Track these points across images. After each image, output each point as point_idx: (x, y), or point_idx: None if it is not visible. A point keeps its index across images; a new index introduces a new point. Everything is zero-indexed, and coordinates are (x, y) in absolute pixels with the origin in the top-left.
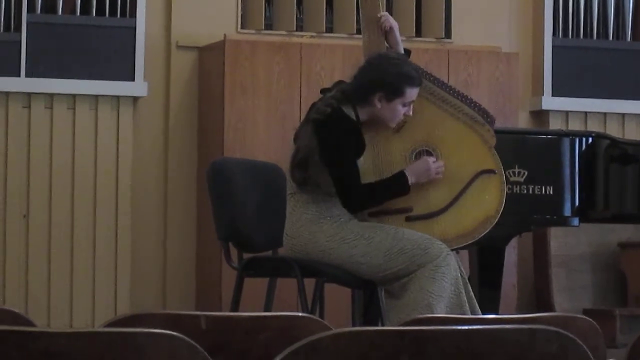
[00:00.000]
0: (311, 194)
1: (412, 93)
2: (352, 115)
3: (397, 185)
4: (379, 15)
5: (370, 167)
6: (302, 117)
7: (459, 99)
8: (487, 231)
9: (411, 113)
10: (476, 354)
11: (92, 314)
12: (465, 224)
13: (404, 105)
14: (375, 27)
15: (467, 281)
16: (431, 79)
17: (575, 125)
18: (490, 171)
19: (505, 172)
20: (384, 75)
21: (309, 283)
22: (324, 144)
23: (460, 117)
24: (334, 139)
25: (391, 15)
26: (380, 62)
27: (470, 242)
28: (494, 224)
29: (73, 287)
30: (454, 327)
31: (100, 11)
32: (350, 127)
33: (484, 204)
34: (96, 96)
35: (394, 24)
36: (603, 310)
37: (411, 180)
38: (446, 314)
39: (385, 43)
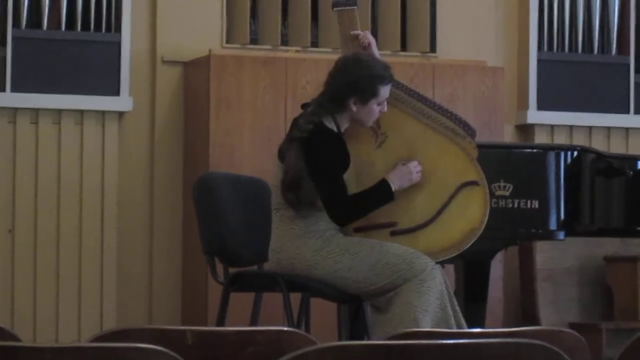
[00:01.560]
0: (295, 210)
1: (385, 91)
2: (334, 127)
3: (381, 192)
4: (355, 33)
5: (353, 183)
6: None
7: (439, 112)
8: (471, 243)
9: (386, 109)
10: None
11: (78, 329)
12: (450, 237)
13: (379, 104)
14: (353, 44)
15: (453, 295)
16: (410, 92)
17: (560, 139)
18: (473, 182)
19: (490, 186)
20: (356, 79)
21: (295, 297)
22: (309, 160)
23: (441, 130)
24: (319, 154)
25: (376, 29)
26: (349, 65)
27: (455, 254)
28: (478, 235)
29: (59, 302)
30: (440, 341)
31: (86, 26)
32: (334, 142)
33: (468, 216)
34: (81, 111)
35: (372, 41)
36: (589, 324)
37: (394, 186)
38: (432, 328)
39: None
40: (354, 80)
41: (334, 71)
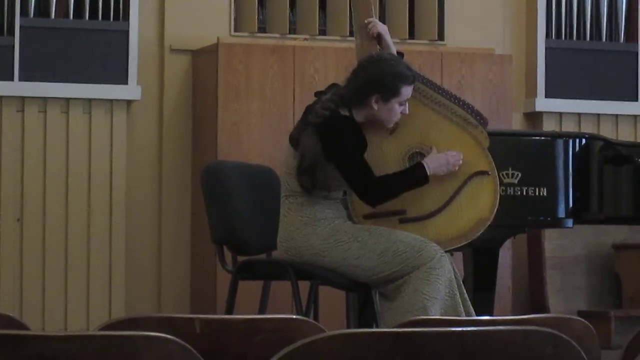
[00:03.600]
0: (308, 194)
1: (407, 91)
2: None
3: (415, 176)
4: (366, 22)
5: None
6: (296, 119)
7: (452, 101)
8: (480, 232)
9: (407, 111)
10: (471, 356)
11: (87, 318)
12: (459, 226)
13: (401, 104)
14: (365, 32)
15: (462, 283)
16: (424, 81)
17: (568, 127)
18: (483, 172)
19: (499, 174)
20: (379, 77)
21: (304, 286)
22: (329, 145)
23: (454, 119)
24: (338, 138)
25: (385, 17)
26: (373, 63)
27: (464, 243)
28: (487, 225)
29: (67, 291)
30: (449, 329)
31: (94, 15)
32: (350, 126)
33: (478, 205)
34: (90, 100)
35: (382, 29)
36: (598, 312)
37: (429, 171)
38: (441, 315)
39: (378, 46)
40: (377, 77)
41: (358, 68)
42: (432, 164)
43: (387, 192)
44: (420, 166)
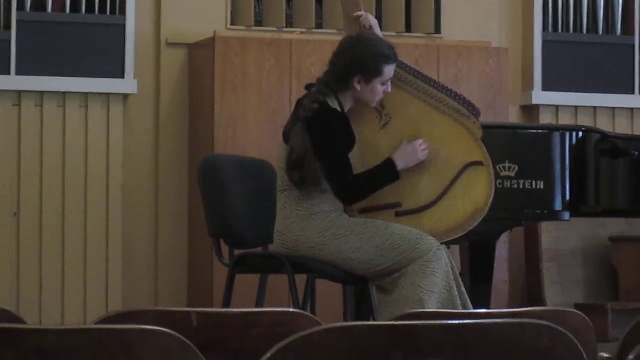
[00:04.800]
0: (303, 190)
1: (389, 70)
2: (337, 106)
3: (386, 172)
4: (357, 15)
5: (358, 164)
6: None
7: (443, 92)
8: (476, 223)
9: (390, 89)
10: (467, 348)
11: (84, 311)
12: (454, 217)
13: (383, 83)
14: (355, 25)
15: (458, 276)
16: (415, 73)
17: (565, 120)
18: (477, 163)
19: (495, 167)
20: (360, 58)
21: (300, 279)
22: (314, 140)
23: (446, 110)
24: (324, 133)
25: (381, 10)
26: (353, 45)
27: (460, 234)
28: (483, 215)
29: (64, 285)
30: (445, 322)
31: (90, 8)
32: (338, 121)
33: (473, 196)
34: (86, 94)
35: (373, 22)
36: (595, 305)
37: (399, 165)
38: (437, 308)
39: None
40: (358, 58)
41: (338, 50)
42: (400, 157)
43: (360, 190)
44: (390, 161)
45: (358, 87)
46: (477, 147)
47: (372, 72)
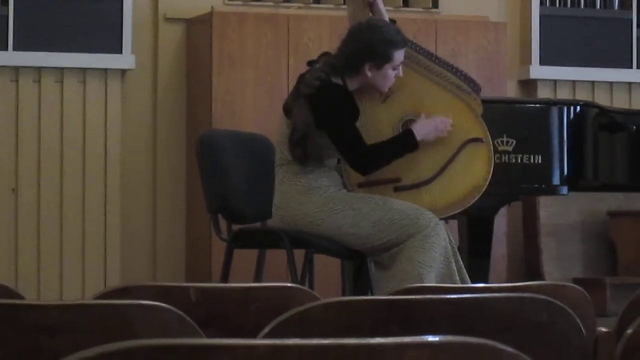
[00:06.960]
0: (301, 165)
1: (399, 56)
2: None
3: (404, 142)
4: None
5: None
6: (290, 88)
7: (444, 68)
8: (475, 200)
9: (401, 74)
10: (466, 323)
11: (82, 287)
12: (454, 193)
13: (394, 68)
14: (357, 2)
15: (457, 251)
16: (417, 48)
17: (563, 94)
18: (477, 139)
19: (493, 142)
20: (370, 45)
21: (299, 254)
22: (321, 115)
23: (447, 86)
24: (330, 107)
25: None
26: (363, 31)
27: (459, 210)
28: (482, 192)
29: (63, 261)
30: (444, 297)
31: None
32: (342, 95)
33: (473, 173)
34: (84, 69)
35: None
36: (593, 279)
37: (418, 137)
38: (436, 283)
39: (370, 13)
40: (368, 46)
41: (348, 37)
42: (420, 130)
43: (378, 160)
44: (410, 133)
45: (369, 74)
46: (477, 124)
47: (382, 58)
